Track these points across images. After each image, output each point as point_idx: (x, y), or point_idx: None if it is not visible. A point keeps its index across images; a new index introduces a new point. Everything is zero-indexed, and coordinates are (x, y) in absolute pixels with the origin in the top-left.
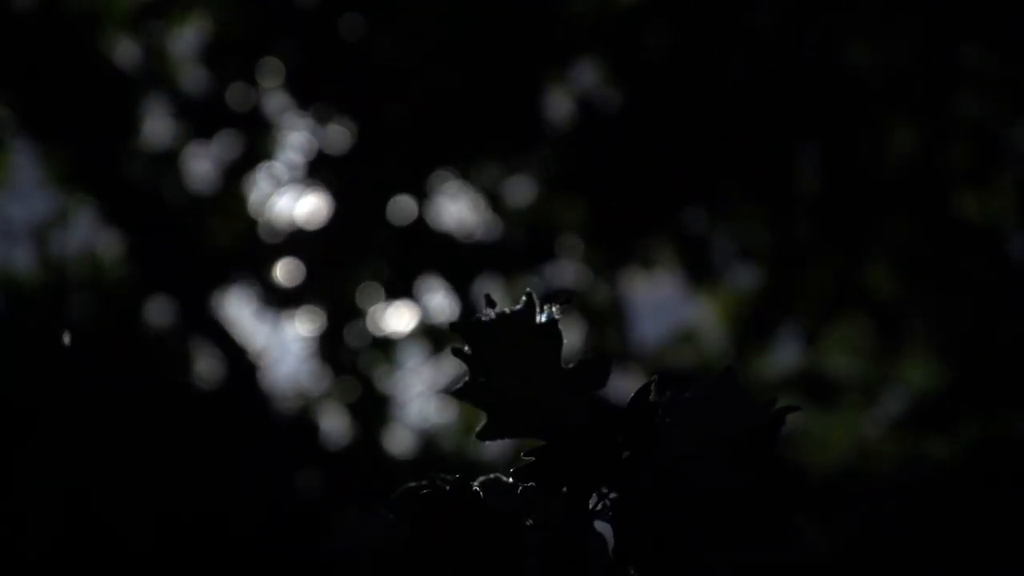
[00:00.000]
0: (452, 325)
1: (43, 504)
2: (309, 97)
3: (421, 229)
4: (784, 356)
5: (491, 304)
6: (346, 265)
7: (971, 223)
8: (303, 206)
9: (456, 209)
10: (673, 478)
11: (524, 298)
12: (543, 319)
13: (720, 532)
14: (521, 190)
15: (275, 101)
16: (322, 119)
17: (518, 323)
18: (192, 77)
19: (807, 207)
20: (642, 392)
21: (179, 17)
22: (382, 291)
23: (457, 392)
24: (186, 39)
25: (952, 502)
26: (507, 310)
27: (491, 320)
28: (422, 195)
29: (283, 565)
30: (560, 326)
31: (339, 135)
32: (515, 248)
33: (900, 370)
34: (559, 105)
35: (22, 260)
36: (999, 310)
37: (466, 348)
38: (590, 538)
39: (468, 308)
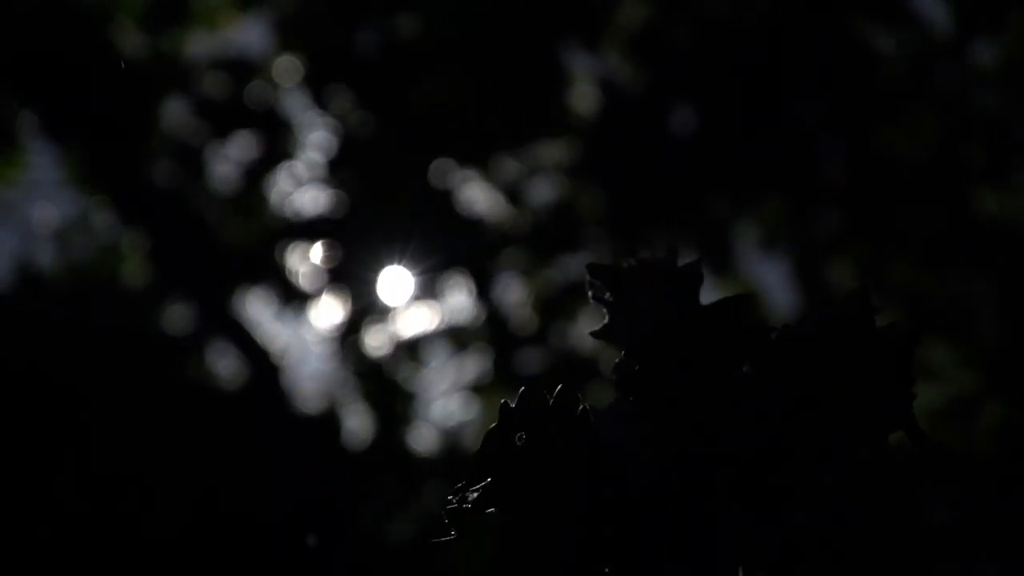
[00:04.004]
0: (591, 269)
1: (65, 497)
2: (328, 88)
3: (441, 220)
4: None
5: (633, 260)
6: (367, 260)
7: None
8: (323, 202)
9: (477, 201)
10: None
11: (666, 248)
12: (684, 265)
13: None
14: (542, 181)
15: (294, 98)
16: (341, 111)
17: (660, 270)
18: (211, 76)
19: (832, 198)
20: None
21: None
22: (404, 286)
23: (598, 334)
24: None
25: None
26: (650, 258)
27: (633, 268)
28: (443, 186)
29: (306, 563)
30: (701, 269)
31: (359, 127)
32: (536, 239)
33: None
34: (581, 93)
35: (44, 260)
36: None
37: (607, 295)
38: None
39: (489, 303)
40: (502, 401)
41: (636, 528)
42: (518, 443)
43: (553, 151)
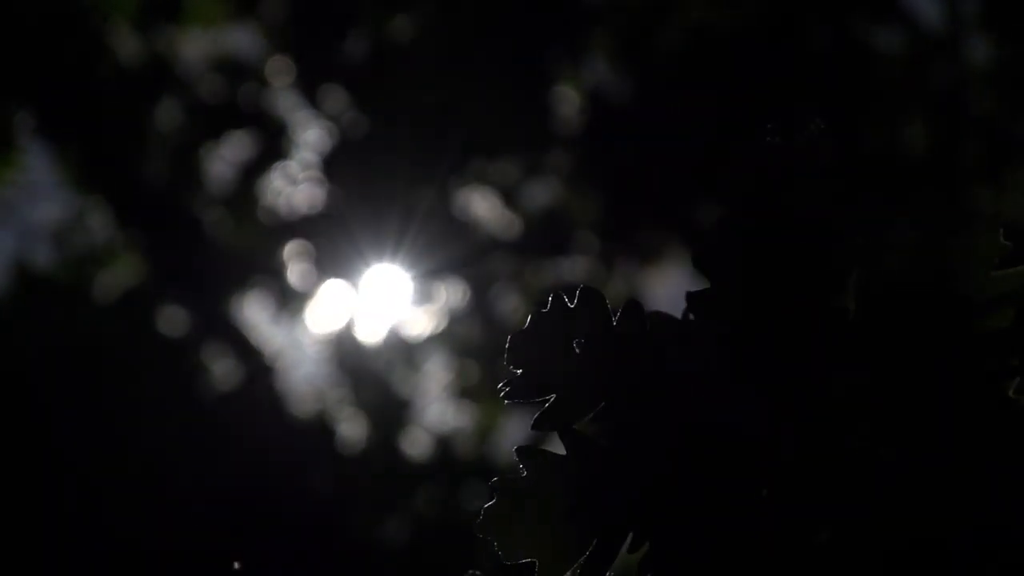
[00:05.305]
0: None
1: (62, 496)
2: (321, 88)
3: (436, 224)
4: None
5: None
6: (361, 262)
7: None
8: (317, 202)
9: (471, 204)
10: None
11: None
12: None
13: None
14: (535, 186)
15: (287, 99)
16: (334, 112)
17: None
18: (205, 77)
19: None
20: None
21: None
22: (399, 289)
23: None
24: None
25: None
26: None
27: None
28: (437, 189)
29: (299, 564)
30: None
31: (353, 128)
32: (529, 243)
33: None
34: (570, 101)
35: (40, 259)
36: None
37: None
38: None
39: (483, 307)
40: (555, 291)
41: (707, 472)
42: (576, 350)
43: (546, 156)
